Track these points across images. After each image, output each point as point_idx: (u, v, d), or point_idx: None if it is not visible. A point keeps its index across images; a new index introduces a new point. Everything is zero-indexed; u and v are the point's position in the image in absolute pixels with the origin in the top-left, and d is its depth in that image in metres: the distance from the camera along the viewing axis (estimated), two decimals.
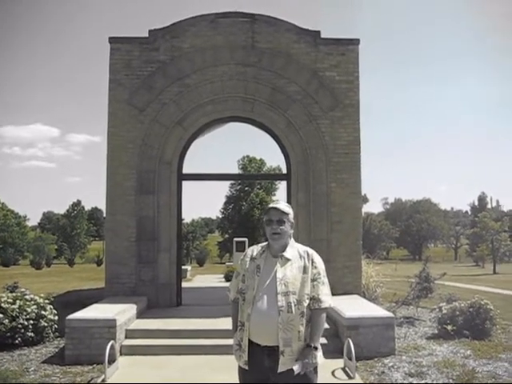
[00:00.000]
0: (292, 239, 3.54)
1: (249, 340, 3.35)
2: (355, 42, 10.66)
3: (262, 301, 3.32)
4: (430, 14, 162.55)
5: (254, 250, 3.58)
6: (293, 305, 3.29)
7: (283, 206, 3.50)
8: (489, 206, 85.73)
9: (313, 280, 3.39)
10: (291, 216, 3.50)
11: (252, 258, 3.50)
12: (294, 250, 3.48)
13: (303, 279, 3.36)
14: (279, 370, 3.25)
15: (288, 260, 3.40)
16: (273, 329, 3.26)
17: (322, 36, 10.54)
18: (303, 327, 3.31)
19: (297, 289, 3.32)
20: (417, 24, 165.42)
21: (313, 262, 3.43)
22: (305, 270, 3.39)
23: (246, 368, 3.37)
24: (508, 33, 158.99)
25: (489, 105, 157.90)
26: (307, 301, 3.34)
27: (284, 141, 10.50)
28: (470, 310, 8.57)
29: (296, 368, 3.24)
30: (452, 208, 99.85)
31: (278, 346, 3.26)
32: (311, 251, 3.51)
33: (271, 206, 3.50)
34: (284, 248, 3.45)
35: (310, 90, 10.41)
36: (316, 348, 3.31)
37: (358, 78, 10.54)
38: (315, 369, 3.37)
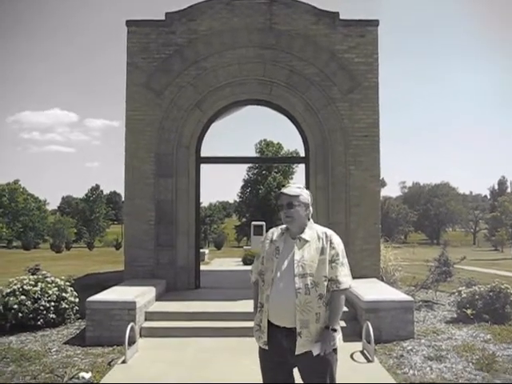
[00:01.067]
0: (311, 220, 3.53)
1: (268, 321, 3.38)
2: (374, 23, 10.50)
3: (281, 282, 3.34)
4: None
5: (274, 232, 3.59)
6: (310, 287, 3.29)
7: (291, 189, 3.50)
8: (509, 190, 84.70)
9: (331, 261, 3.37)
10: (303, 197, 3.47)
11: (272, 241, 3.52)
12: (313, 231, 3.47)
13: (321, 261, 3.35)
14: (297, 352, 3.28)
15: (306, 241, 3.41)
16: (290, 310, 3.28)
17: (341, 17, 10.40)
18: (321, 309, 3.32)
19: (314, 270, 3.32)
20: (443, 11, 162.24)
21: (331, 243, 3.41)
22: (322, 251, 3.38)
23: (266, 348, 3.40)
24: None
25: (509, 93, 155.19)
26: (325, 283, 3.34)
27: (302, 124, 10.42)
28: (490, 294, 8.50)
29: (315, 350, 3.25)
30: (471, 192, 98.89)
31: (295, 328, 3.28)
32: (330, 232, 3.49)
33: (280, 191, 3.52)
34: (302, 230, 3.45)
35: (328, 72, 10.29)
36: (335, 330, 3.31)
37: (377, 59, 10.39)
38: (335, 351, 3.37)
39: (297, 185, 3.62)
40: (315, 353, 3.24)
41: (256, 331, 3.51)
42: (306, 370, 3.36)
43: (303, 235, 3.43)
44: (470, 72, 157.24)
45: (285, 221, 3.45)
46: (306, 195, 3.51)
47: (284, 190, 3.49)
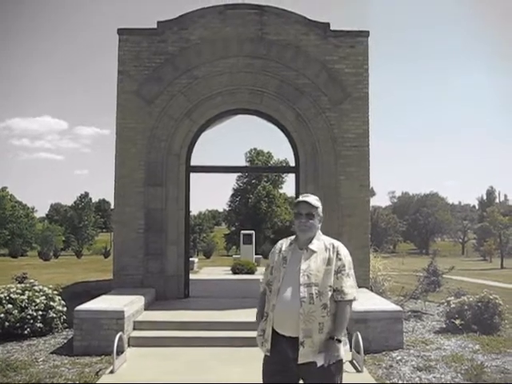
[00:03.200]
0: (319, 231, 3.57)
1: (274, 330, 3.40)
2: (365, 34, 10.59)
3: (286, 292, 3.37)
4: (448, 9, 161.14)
5: (283, 243, 3.64)
6: (314, 296, 3.31)
7: (313, 199, 3.54)
8: (497, 200, 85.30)
9: (337, 272, 3.40)
10: (320, 210, 3.55)
11: (280, 251, 3.57)
12: (321, 242, 3.51)
13: (326, 271, 3.38)
14: (299, 362, 3.28)
15: (313, 252, 3.44)
16: (294, 319, 3.30)
17: (332, 28, 10.47)
18: (324, 319, 3.33)
19: (319, 280, 3.35)
20: (425, 18, 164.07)
21: (338, 254, 3.45)
22: (329, 261, 3.41)
23: (268, 354, 3.43)
24: None
25: (495, 101, 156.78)
26: (329, 293, 3.36)
27: (293, 133, 10.46)
28: (479, 304, 8.54)
29: (318, 361, 3.25)
30: (459, 202, 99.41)
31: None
32: (337, 243, 3.53)
33: (301, 199, 3.55)
34: (310, 240, 3.49)
35: (318, 83, 10.35)
36: (339, 340, 3.31)
37: (367, 70, 10.47)
38: (340, 362, 3.37)
39: (315, 196, 3.63)
40: (319, 364, 3.24)
41: (259, 336, 3.54)
42: (309, 380, 3.36)
43: (311, 246, 3.46)
44: (463, 77, 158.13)
45: (300, 229, 3.48)
46: (321, 207, 3.58)
47: (306, 199, 3.51)
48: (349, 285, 3.41)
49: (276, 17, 10.48)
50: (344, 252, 3.48)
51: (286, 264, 3.46)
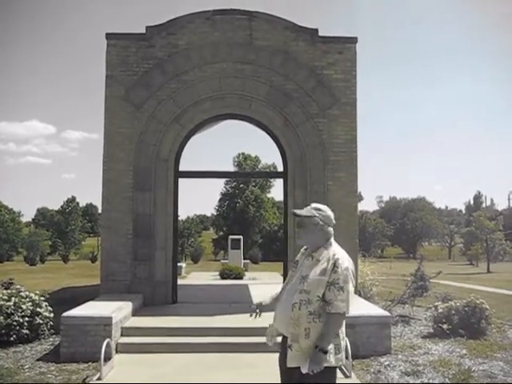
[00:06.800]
0: (330, 241, 3.62)
1: None
2: (353, 40, 10.65)
3: (287, 294, 3.56)
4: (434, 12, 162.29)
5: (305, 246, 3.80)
6: (304, 303, 3.41)
7: (301, 210, 3.67)
8: (484, 205, 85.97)
9: (330, 284, 3.44)
10: (317, 218, 3.58)
11: (300, 254, 3.77)
12: (328, 251, 3.57)
13: (320, 281, 3.45)
14: (288, 365, 3.39)
15: (318, 261, 3.53)
16: (286, 322, 3.46)
17: (320, 34, 10.53)
18: (311, 325, 3.40)
19: (312, 289, 3.43)
20: (414, 21, 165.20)
21: (335, 266, 3.47)
22: (325, 272, 3.47)
23: (276, 349, 3.67)
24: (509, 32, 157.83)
25: (484, 104, 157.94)
26: (317, 302, 3.42)
27: (281, 139, 10.48)
28: (466, 309, 8.61)
29: (303, 368, 3.32)
30: (446, 207, 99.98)
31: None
32: (338, 256, 3.54)
33: (293, 210, 3.76)
34: (317, 249, 3.58)
35: (307, 88, 10.39)
36: (323, 351, 3.33)
37: (355, 76, 10.53)
38: (328, 371, 3.36)
39: (315, 205, 3.72)
40: (303, 371, 3.31)
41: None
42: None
43: (315, 254, 3.57)
44: (448, 83, 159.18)
45: (296, 239, 3.69)
46: (321, 216, 3.61)
47: (296, 210, 3.68)
48: (339, 298, 3.42)
49: (265, 22, 10.51)
50: (343, 265, 3.48)
51: (295, 268, 3.67)
